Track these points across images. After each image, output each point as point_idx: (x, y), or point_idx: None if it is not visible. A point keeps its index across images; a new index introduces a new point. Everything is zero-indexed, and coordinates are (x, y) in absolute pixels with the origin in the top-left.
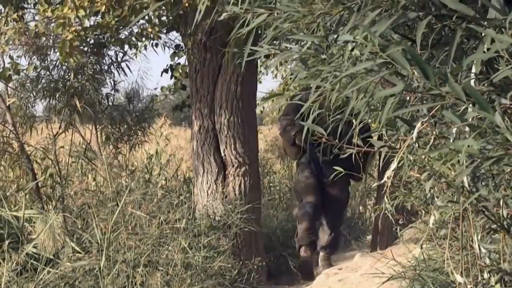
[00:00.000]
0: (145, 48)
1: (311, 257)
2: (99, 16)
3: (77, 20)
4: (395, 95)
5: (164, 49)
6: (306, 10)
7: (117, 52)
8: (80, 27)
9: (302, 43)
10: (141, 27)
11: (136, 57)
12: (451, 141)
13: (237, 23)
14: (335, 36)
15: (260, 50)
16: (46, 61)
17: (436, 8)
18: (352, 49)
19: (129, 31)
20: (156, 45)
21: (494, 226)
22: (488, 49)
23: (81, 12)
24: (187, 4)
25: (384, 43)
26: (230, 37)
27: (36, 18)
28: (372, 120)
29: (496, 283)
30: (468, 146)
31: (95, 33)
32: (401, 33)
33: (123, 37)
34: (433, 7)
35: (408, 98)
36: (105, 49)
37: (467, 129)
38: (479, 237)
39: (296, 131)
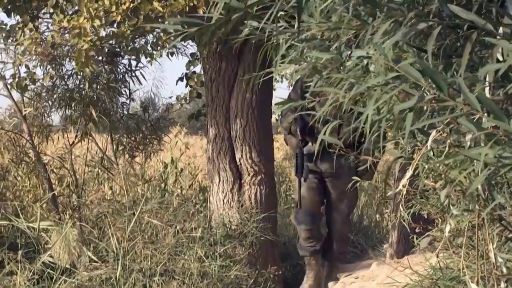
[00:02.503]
0: (160, 56)
1: (319, 267)
2: (115, 26)
3: (93, 30)
4: (412, 108)
5: (178, 55)
6: (325, 27)
7: (131, 61)
8: (95, 37)
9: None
10: (156, 36)
11: (151, 64)
12: (466, 149)
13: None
14: (349, 52)
15: (279, 68)
16: (61, 71)
17: (449, 18)
18: (367, 64)
19: (145, 40)
20: (172, 54)
21: (510, 235)
22: (503, 58)
23: (97, 22)
24: (202, 13)
25: (396, 57)
26: (259, 54)
27: (52, 27)
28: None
29: None
30: (486, 154)
31: (110, 42)
32: (414, 45)
33: (138, 46)
34: (445, 17)
35: (425, 108)
36: (119, 58)
37: (482, 137)
38: (495, 246)
39: (294, 118)
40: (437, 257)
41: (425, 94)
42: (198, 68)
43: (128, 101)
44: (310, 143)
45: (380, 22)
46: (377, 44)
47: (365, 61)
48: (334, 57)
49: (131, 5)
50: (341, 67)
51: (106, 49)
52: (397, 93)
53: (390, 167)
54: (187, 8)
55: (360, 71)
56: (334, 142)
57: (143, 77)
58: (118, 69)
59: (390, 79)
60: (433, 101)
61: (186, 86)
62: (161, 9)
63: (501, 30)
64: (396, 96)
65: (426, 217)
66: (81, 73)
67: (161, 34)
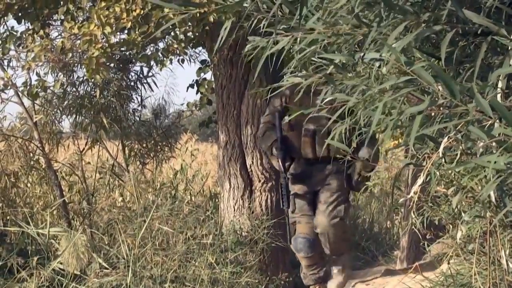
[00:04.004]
0: (171, 62)
1: None
2: (125, 33)
3: (103, 36)
4: (422, 112)
5: (190, 62)
6: (330, 31)
7: (143, 68)
8: (106, 44)
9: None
10: (167, 43)
11: (161, 70)
12: (478, 156)
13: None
14: (362, 54)
15: (286, 82)
16: (72, 77)
17: (460, 22)
18: (379, 66)
19: (155, 47)
20: (183, 61)
21: None
22: None
23: (107, 29)
24: (212, 20)
25: (409, 60)
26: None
27: (63, 34)
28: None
29: None
30: (495, 162)
31: (121, 49)
32: (425, 51)
33: (149, 53)
34: (457, 22)
35: (433, 114)
36: (130, 65)
37: (493, 144)
38: (507, 252)
39: (273, 141)
40: (448, 263)
41: (436, 99)
42: (209, 75)
43: (139, 108)
44: (293, 163)
45: (387, 27)
46: (391, 46)
47: (377, 64)
48: (347, 59)
49: (142, 12)
50: (353, 70)
51: (117, 56)
52: (407, 98)
53: (399, 174)
54: (198, 14)
55: (369, 78)
56: (342, 147)
57: (155, 84)
58: (130, 76)
59: (401, 83)
60: (441, 107)
61: (196, 93)
62: (172, 15)
63: None
64: (408, 102)
65: (437, 223)
66: (92, 80)
67: (173, 41)
